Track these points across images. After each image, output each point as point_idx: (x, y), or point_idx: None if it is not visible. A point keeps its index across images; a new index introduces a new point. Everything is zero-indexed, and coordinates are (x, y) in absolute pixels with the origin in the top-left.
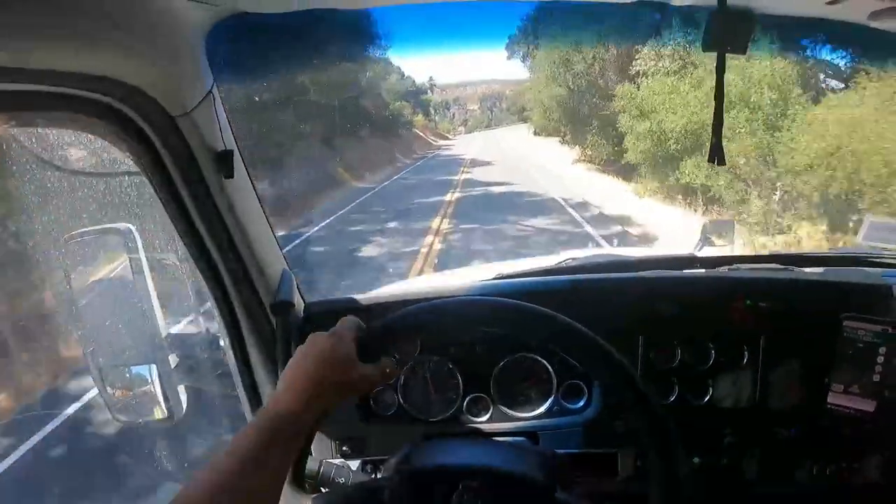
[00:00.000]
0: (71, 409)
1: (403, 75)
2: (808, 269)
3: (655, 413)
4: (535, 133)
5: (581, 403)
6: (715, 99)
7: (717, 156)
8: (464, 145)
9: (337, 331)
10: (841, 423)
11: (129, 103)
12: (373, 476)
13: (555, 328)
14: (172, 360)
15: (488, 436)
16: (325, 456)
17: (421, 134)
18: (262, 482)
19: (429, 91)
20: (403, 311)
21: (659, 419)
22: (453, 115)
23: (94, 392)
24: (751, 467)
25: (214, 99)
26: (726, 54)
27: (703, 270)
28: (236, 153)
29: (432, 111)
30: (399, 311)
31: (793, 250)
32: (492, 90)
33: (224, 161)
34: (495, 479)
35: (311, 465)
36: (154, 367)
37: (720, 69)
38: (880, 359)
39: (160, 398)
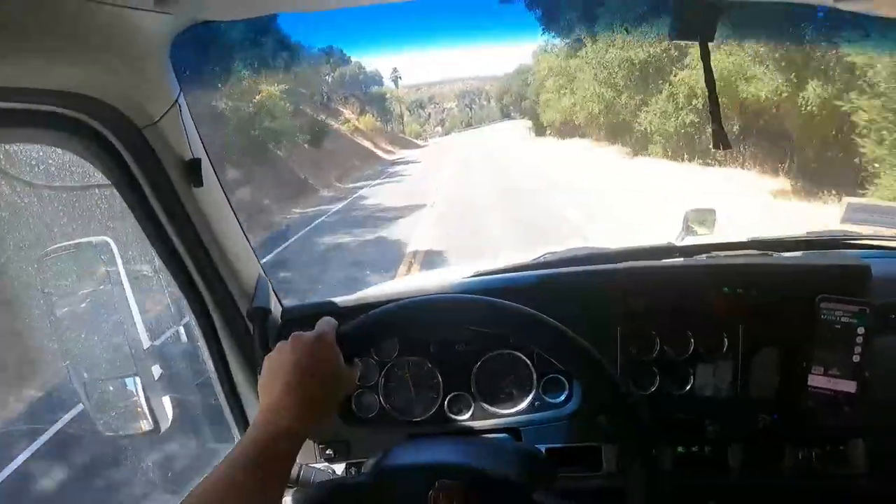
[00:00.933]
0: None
1: (362, 70)
2: (786, 254)
3: (631, 413)
4: (541, 132)
5: (562, 397)
6: (706, 85)
7: (721, 141)
8: (434, 156)
9: (319, 332)
10: (823, 406)
11: (95, 117)
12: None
13: (526, 323)
14: (156, 371)
15: (470, 433)
16: (307, 460)
17: (367, 144)
18: (265, 498)
19: (392, 84)
20: (379, 309)
21: (635, 420)
22: (429, 115)
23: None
24: (734, 455)
25: (181, 108)
26: (706, 41)
27: (682, 259)
28: (205, 161)
29: (396, 110)
30: (375, 311)
31: (772, 235)
32: (469, 86)
33: (193, 170)
34: (471, 478)
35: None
36: (137, 378)
37: (705, 57)
38: (859, 339)
39: (145, 410)
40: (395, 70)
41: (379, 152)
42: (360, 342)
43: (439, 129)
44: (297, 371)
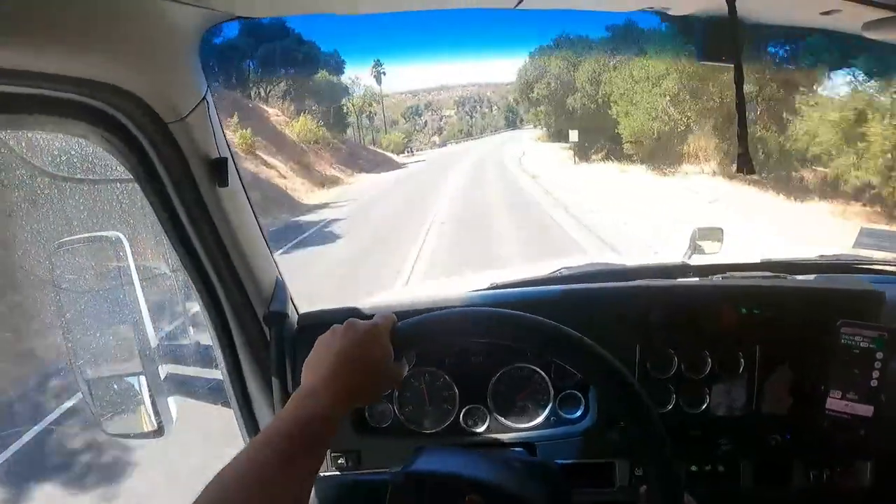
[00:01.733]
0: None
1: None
2: (799, 277)
3: (655, 425)
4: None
5: (578, 413)
6: (737, 109)
7: (745, 166)
8: (414, 187)
9: (375, 323)
10: (836, 428)
11: (121, 109)
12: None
13: (584, 352)
14: (162, 371)
15: (485, 447)
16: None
17: (283, 176)
18: (295, 479)
19: (374, 82)
20: (438, 313)
21: (657, 432)
22: (425, 122)
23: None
24: (746, 473)
25: (208, 105)
26: (733, 63)
27: (697, 279)
28: (230, 161)
29: (377, 115)
30: (434, 313)
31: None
32: (469, 92)
33: (218, 169)
34: (500, 498)
35: None
36: (143, 378)
37: (739, 80)
38: (877, 364)
39: (150, 410)
40: (377, 64)
41: (301, 191)
42: (413, 341)
43: (435, 138)
44: (344, 359)
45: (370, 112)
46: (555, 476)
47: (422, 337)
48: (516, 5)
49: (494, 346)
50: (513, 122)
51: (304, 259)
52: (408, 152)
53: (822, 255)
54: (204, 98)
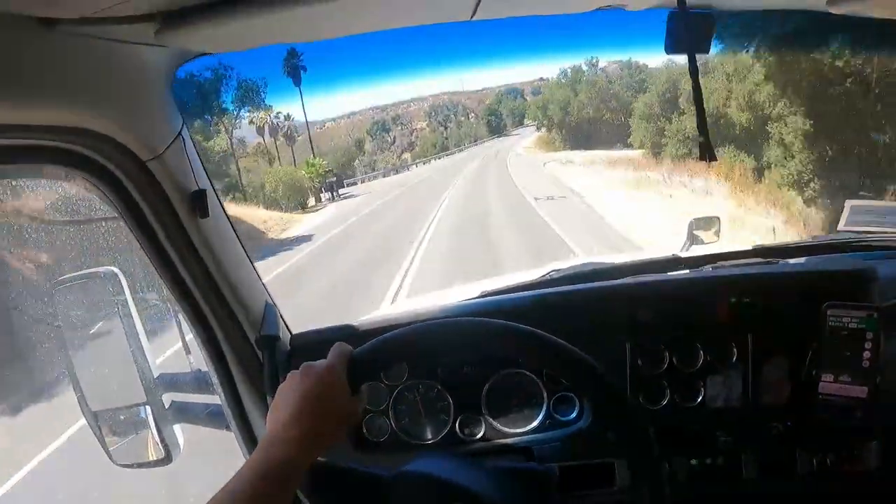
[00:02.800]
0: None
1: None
2: (791, 261)
3: (635, 426)
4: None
5: (573, 414)
6: (693, 99)
7: (708, 153)
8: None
9: (330, 363)
10: (835, 412)
11: (99, 151)
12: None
13: (534, 345)
14: (166, 399)
15: (483, 455)
16: None
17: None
18: None
19: (295, 91)
20: (391, 333)
21: (639, 432)
22: (394, 138)
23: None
24: (748, 465)
25: (184, 140)
26: (702, 53)
27: (688, 271)
28: (210, 192)
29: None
30: (387, 335)
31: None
32: (442, 101)
33: (198, 201)
34: None
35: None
36: (149, 407)
37: (693, 70)
38: (867, 344)
39: (157, 439)
40: (293, 55)
41: None
42: (372, 367)
43: (407, 155)
44: (304, 402)
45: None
46: (545, 483)
47: (376, 361)
48: (471, 16)
49: (486, 354)
50: (497, 127)
51: None
52: (328, 194)
53: (813, 237)
54: (179, 133)
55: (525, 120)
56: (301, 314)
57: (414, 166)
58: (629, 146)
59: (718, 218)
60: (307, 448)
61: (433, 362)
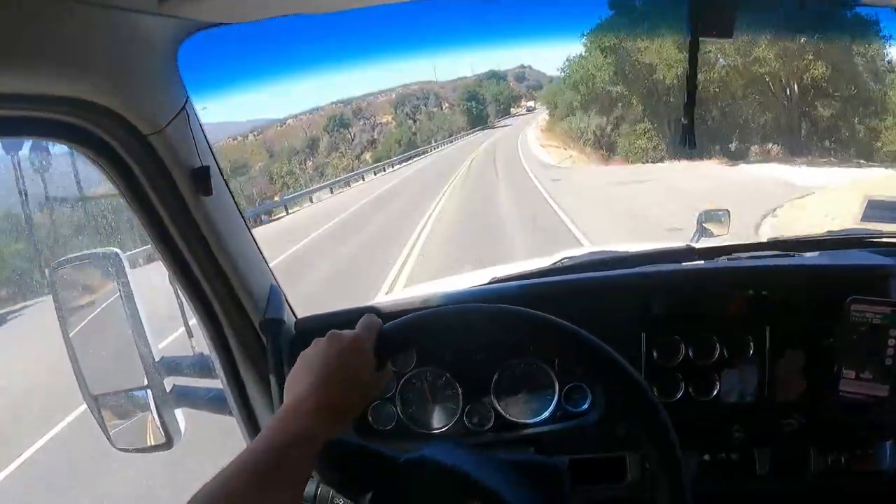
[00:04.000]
0: None
1: None
2: (808, 254)
3: (657, 419)
4: None
5: (585, 406)
6: (687, 83)
7: (689, 139)
8: None
9: (358, 334)
10: (852, 409)
11: (100, 125)
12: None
13: (568, 336)
14: (168, 383)
15: (491, 446)
16: None
17: None
18: None
19: None
20: (424, 312)
21: (661, 426)
22: (353, 136)
23: None
24: (762, 461)
25: (188, 115)
26: (702, 38)
27: (703, 262)
28: (214, 169)
29: None
30: (419, 313)
31: (791, 235)
32: (411, 91)
33: (201, 178)
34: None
35: (308, 486)
36: (149, 391)
37: (693, 55)
38: (891, 341)
39: (157, 423)
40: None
41: None
42: (402, 343)
43: (369, 155)
44: (325, 372)
45: None
46: (557, 477)
47: (407, 339)
48: None
49: (497, 341)
50: (479, 117)
51: None
52: None
53: (830, 231)
54: (183, 108)
55: (512, 109)
56: None
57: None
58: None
59: (727, 210)
60: (327, 420)
61: (442, 350)
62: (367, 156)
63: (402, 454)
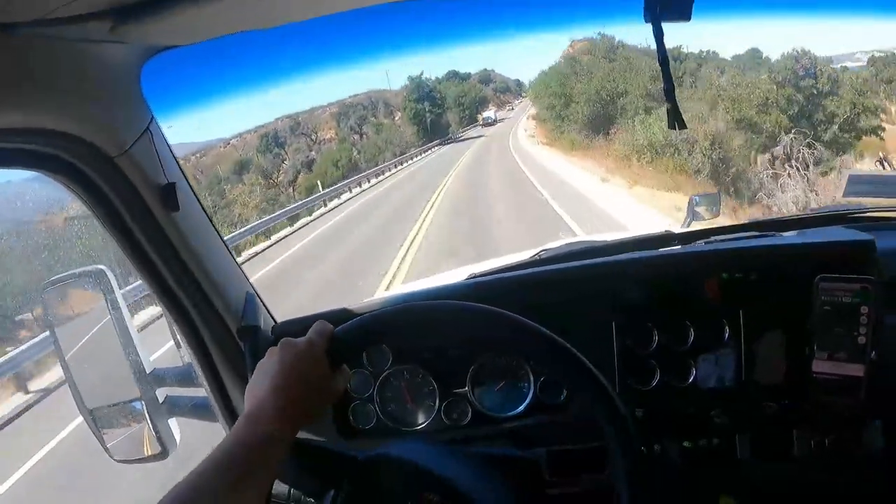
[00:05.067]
0: None
1: None
2: (787, 234)
3: (612, 403)
4: None
5: (562, 399)
6: (660, 66)
7: (676, 121)
8: None
9: (309, 338)
10: (830, 392)
11: (67, 150)
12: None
13: (515, 330)
14: (160, 394)
15: (470, 441)
16: None
17: None
18: None
19: None
20: (373, 312)
21: (615, 410)
22: (283, 160)
23: None
24: (743, 446)
25: (153, 134)
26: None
27: (679, 247)
28: (182, 184)
29: None
30: (368, 314)
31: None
32: (358, 100)
33: (168, 194)
34: (454, 499)
35: (280, 488)
36: (143, 403)
37: (658, 37)
38: (863, 319)
39: (152, 434)
40: None
41: None
42: (353, 344)
43: (303, 179)
44: (283, 375)
45: None
46: (528, 470)
47: (358, 339)
48: None
49: (470, 337)
50: (435, 127)
51: None
52: None
53: (811, 209)
54: (147, 128)
55: (485, 113)
56: None
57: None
58: None
59: (718, 193)
60: (286, 422)
61: (417, 346)
62: (303, 178)
63: (362, 453)
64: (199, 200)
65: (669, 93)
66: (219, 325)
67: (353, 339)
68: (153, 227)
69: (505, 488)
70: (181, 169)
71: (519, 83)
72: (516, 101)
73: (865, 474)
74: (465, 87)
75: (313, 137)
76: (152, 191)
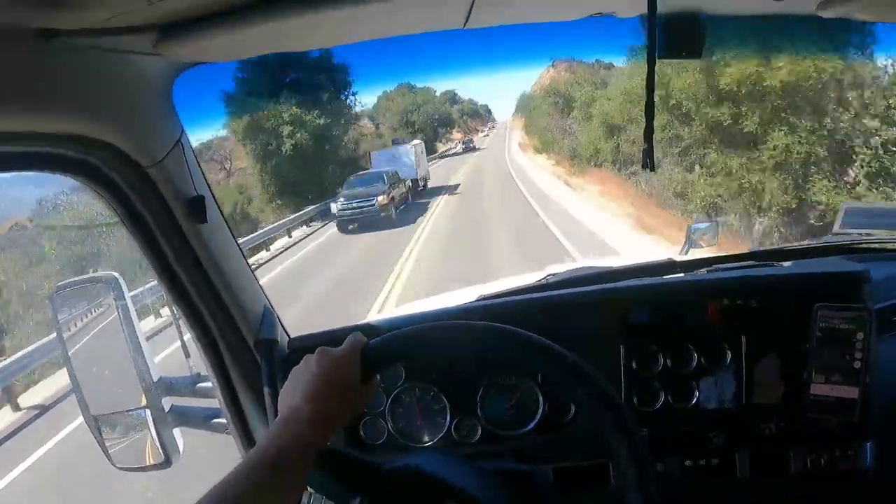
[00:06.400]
0: None
1: None
2: (786, 264)
3: (622, 419)
4: None
5: (569, 417)
6: (645, 108)
7: (649, 161)
8: None
9: (345, 349)
10: (826, 414)
11: (100, 158)
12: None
13: (554, 360)
14: (166, 403)
15: (478, 457)
16: None
17: None
18: None
19: None
20: (409, 328)
21: (626, 426)
22: None
23: None
24: (742, 464)
25: (183, 147)
26: (661, 60)
27: (683, 275)
28: (208, 198)
29: None
30: (404, 329)
31: (771, 246)
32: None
33: (197, 207)
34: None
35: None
36: (148, 411)
37: (650, 77)
38: (858, 344)
39: (157, 442)
40: None
41: None
42: (385, 358)
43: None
44: (318, 383)
45: None
46: (535, 485)
47: (391, 354)
48: (464, 24)
49: (481, 356)
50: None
51: None
52: None
53: (809, 240)
54: (179, 141)
55: (440, 143)
56: None
57: None
58: None
59: (716, 223)
60: (319, 428)
61: (429, 364)
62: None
63: (388, 462)
64: (222, 214)
65: (648, 133)
66: (236, 337)
67: (386, 352)
68: (179, 237)
69: (521, 501)
70: (207, 182)
71: (488, 109)
72: (486, 128)
73: (858, 491)
74: (430, 99)
75: (227, 165)
76: (181, 202)
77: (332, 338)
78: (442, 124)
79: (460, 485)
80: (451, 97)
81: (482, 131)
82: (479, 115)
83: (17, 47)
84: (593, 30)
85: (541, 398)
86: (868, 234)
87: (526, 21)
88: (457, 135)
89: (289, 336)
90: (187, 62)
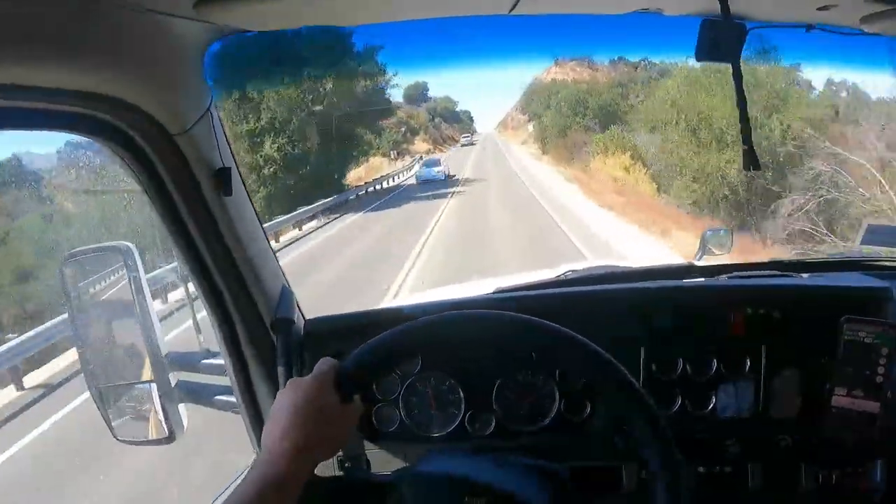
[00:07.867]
0: None
1: None
2: (806, 275)
3: (657, 423)
4: None
5: (584, 416)
6: (738, 107)
7: (751, 162)
8: None
9: (314, 376)
10: (845, 427)
11: (127, 121)
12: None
13: (545, 338)
14: (173, 378)
15: (491, 451)
16: (325, 473)
17: None
18: None
19: None
20: (376, 338)
21: (661, 430)
22: None
23: None
24: (755, 475)
25: (212, 116)
26: (731, 62)
27: (703, 279)
28: (234, 170)
29: None
30: (372, 340)
31: (792, 258)
32: None
33: (223, 178)
34: (497, 499)
35: None
36: (154, 385)
37: (737, 77)
38: (882, 360)
39: (161, 417)
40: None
41: None
42: (360, 375)
43: None
44: (293, 416)
45: None
46: (559, 480)
47: (367, 368)
48: (510, 10)
49: (500, 350)
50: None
51: None
52: None
53: (830, 254)
54: (208, 109)
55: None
56: None
57: None
58: None
59: (730, 231)
60: (299, 461)
61: (447, 355)
62: None
63: (399, 463)
64: (246, 189)
65: (746, 134)
66: (252, 315)
67: (361, 368)
68: (203, 208)
69: (541, 493)
70: (233, 155)
71: (470, 116)
72: (463, 138)
73: None
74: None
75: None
76: (207, 173)
77: (348, 321)
78: (383, 113)
79: (478, 478)
80: (420, 92)
81: (457, 142)
82: (459, 120)
83: (51, 2)
84: (597, 27)
85: (557, 396)
86: (890, 252)
87: (572, 11)
88: (421, 145)
89: (304, 318)
90: (224, 30)
